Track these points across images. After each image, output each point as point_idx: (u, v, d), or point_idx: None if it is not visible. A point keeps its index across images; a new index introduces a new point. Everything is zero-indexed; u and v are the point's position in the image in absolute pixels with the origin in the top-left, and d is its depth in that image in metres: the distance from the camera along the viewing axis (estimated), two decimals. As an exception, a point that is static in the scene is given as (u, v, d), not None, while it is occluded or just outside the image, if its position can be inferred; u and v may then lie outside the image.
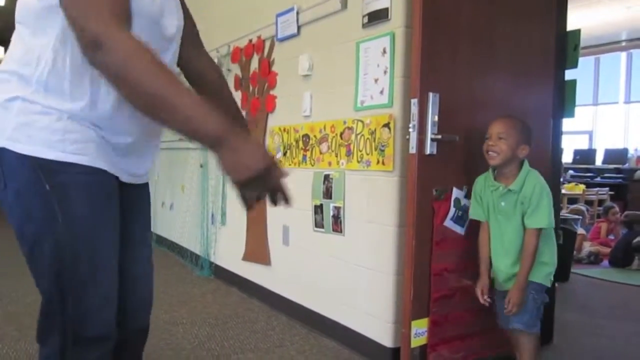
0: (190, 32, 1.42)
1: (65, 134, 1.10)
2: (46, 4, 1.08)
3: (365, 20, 2.57)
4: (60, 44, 1.09)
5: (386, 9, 2.45)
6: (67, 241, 1.11)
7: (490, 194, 2.15)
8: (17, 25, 1.16)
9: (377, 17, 2.49)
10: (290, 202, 1.11)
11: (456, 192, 2.30)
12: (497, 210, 2.12)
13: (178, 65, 1.40)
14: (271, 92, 3.36)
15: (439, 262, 2.26)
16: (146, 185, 1.39)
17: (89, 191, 1.13)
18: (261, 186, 1.05)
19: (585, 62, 10.44)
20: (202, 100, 1.01)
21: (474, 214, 2.23)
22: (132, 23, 1.09)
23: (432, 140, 2.19)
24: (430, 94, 2.18)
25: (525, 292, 2.05)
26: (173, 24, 1.27)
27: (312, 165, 2.95)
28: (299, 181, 3.04)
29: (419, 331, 2.23)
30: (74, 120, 1.11)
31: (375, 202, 2.54)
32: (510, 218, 2.08)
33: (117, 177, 1.22)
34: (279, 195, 1.11)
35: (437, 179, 2.25)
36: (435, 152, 2.21)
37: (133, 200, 1.31)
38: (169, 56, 1.29)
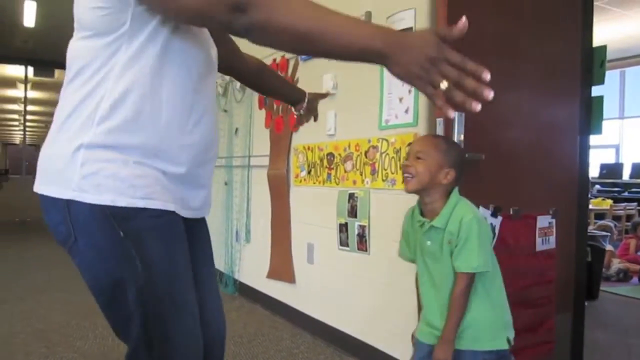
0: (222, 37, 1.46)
1: (134, 179, 1.09)
2: (107, 40, 1.09)
3: (390, 39, 2.58)
4: (120, 82, 1.10)
5: (410, 29, 2.46)
6: (149, 285, 1.12)
7: (416, 231, 1.76)
8: (67, 68, 1.17)
9: (402, 36, 2.50)
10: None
11: (483, 211, 2.28)
12: (424, 251, 1.71)
13: (220, 69, 1.46)
14: (294, 112, 3.37)
15: (466, 282, 2.23)
16: (204, 220, 1.39)
17: (162, 234, 1.14)
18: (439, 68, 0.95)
19: (611, 75, 10.30)
20: (353, 18, 0.99)
21: (401, 253, 1.86)
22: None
23: (458, 159, 2.18)
24: (456, 113, 2.18)
25: (452, 354, 1.60)
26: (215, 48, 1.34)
27: (337, 184, 2.96)
28: (323, 199, 3.05)
29: (447, 352, 2.20)
30: (138, 164, 1.11)
31: (401, 221, 2.52)
32: (439, 260, 1.66)
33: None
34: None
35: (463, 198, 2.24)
36: (461, 171, 2.19)
37: (195, 236, 1.33)
38: (214, 76, 1.33)
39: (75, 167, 1.09)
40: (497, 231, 2.31)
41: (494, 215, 2.31)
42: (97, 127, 1.08)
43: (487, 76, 0.93)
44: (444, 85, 0.91)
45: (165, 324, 1.15)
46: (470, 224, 1.61)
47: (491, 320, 1.65)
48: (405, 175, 1.67)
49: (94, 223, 1.09)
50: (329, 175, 3.04)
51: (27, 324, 3.38)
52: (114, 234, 1.09)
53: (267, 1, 0.97)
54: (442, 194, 1.67)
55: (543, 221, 2.49)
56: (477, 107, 0.91)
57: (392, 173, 2.54)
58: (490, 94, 0.91)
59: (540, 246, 2.48)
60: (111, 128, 1.08)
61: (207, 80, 1.24)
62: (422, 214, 1.73)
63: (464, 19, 0.95)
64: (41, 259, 5.60)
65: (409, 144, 2.41)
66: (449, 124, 2.17)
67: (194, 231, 1.32)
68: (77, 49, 1.15)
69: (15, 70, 11.05)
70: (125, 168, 1.09)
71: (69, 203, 1.10)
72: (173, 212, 1.16)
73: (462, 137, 2.18)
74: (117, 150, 1.09)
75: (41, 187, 1.16)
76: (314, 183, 3.17)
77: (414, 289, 2.44)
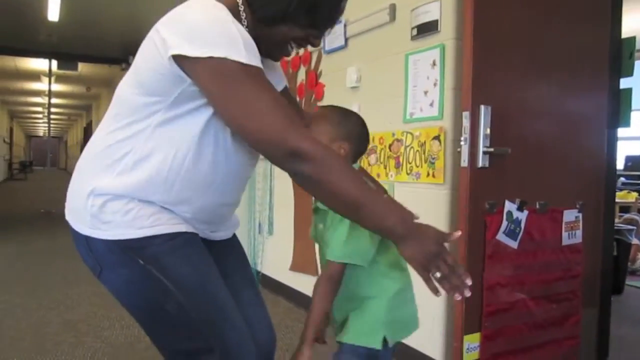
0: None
1: (138, 211, 1.16)
2: (149, 101, 1.14)
3: (415, 32, 2.57)
4: (149, 142, 1.16)
5: (436, 21, 2.44)
6: (188, 298, 1.18)
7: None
8: (110, 108, 1.24)
9: (427, 29, 2.49)
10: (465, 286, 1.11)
11: (509, 206, 2.27)
12: (318, 234, 1.51)
13: None
14: (318, 104, 3.39)
15: (491, 276, 2.23)
16: (234, 236, 1.46)
17: (179, 253, 1.19)
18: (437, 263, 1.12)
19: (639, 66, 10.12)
20: (388, 200, 1.17)
21: (310, 234, 1.60)
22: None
23: (484, 153, 2.17)
24: (482, 107, 2.16)
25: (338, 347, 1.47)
26: None
27: (361, 177, 2.96)
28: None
29: (471, 346, 2.21)
30: (144, 202, 1.18)
31: (425, 215, 2.49)
32: (326, 244, 1.46)
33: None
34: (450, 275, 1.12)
35: (489, 192, 2.23)
36: (487, 164, 2.18)
37: (224, 253, 1.39)
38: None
39: (87, 207, 1.17)
40: (523, 225, 2.30)
41: (519, 209, 2.29)
42: (115, 179, 1.17)
43: (469, 281, 1.10)
44: (437, 275, 1.11)
45: (217, 326, 1.20)
46: None
47: (369, 316, 1.45)
48: None
49: (113, 256, 1.18)
50: (352, 168, 3.04)
51: (56, 313, 3.45)
52: (134, 263, 1.16)
53: (325, 162, 1.06)
54: None
55: (569, 215, 2.47)
56: (458, 297, 1.11)
57: (417, 166, 2.53)
58: (467, 293, 1.10)
59: (566, 240, 2.46)
60: (127, 183, 1.16)
61: (245, 153, 1.26)
62: None
63: (459, 233, 1.17)
64: (67, 251, 5.67)
65: (435, 138, 2.41)
66: (475, 118, 2.15)
67: (224, 246, 1.40)
68: (123, 92, 1.21)
69: (39, 64, 11.20)
70: (130, 203, 1.17)
71: (87, 239, 1.19)
72: (184, 232, 1.21)
73: (488, 130, 2.17)
74: (126, 199, 1.16)
75: (68, 217, 1.25)
76: (338, 176, 3.17)
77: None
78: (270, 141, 1.06)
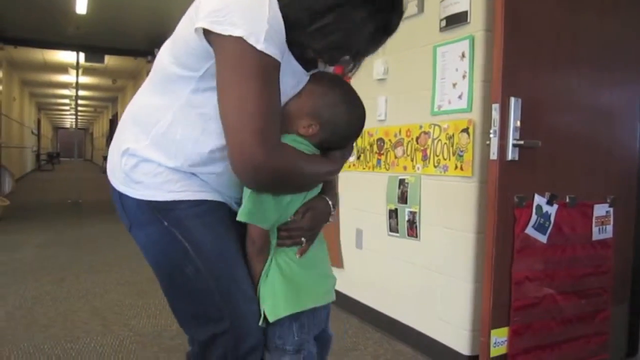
0: None
1: (167, 175, 1.21)
2: (181, 73, 1.16)
3: (443, 23, 2.54)
4: (180, 113, 1.18)
5: (465, 13, 2.41)
6: (206, 264, 1.21)
7: None
8: (151, 74, 1.27)
9: (456, 20, 2.46)
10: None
11: (538, 199, 2.24)
12: None
13: None
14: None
15: (520, 270, 2.20)
16: None
17: (202, 219, 1.23)
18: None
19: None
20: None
21: None
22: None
23: (513, 146, 2.14)
24: (512, 99, 2.14)
25: None
26: None
27: (387, 170, 2.95)
28: (373, 185, 3.05)
29: (499, 340, 2.19)
30: (172, 170, 1.22)
31: (452, 208, 2.51)
32: None
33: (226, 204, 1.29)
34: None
35: (519, 185, 2.20)
36: (517, 157, 2.16)
37: None
38: None
39: (121, 165, 1.25)
40: (552, 219, 2.27)
41: (549, 203, 2.26)
42: (147, 144, 1.21)
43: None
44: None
45: (230, 295, 1.22)
46: None
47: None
48: None
49: (141, 214, 1.23)
50: (378, 160, 3.03)
51: (85, 302, 3.51)
52: (159, 223, 1.21)
53: (275, 168, 1.11)
54: None
55: (600, 210, 2.43)
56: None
57: (445, 159, 2.51)
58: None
59: (596, 235, 2.42)
60: (157, 150, 1.21)
61: None
62: None
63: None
64: (95, 241, 5.80)
65: (463, 130, 2.39)
66: (505, 110, 2.13)
67: None
68: (162, 58, 1.23)
69: (67, 56, 11.36)
70: (159, 168, 1.21)
71: (120, 195, 1.26)
72: (210, 201, 1.24)
73: (518, 123, 2.14)
74: (155, 163, 1.21)
75: (107, 171, 1.32)
76: (364, 169, 3.17)
77: (465, 276, 2.43)
78: (230, 147, 1.08)
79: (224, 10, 1.05)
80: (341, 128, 1.26)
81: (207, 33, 1.07)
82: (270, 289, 1.24)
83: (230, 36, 1.04)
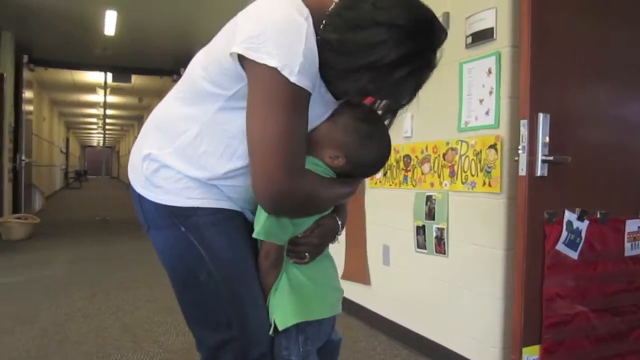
0: None
1: (187, 182, 1.23)
2: (212, 90, 1.18)
3: (469, 40, 2.55)
4: (206, 127, 1.20)
5: (491, 29, 2.42)
6: (219, 269, 1.24)
7: None
8: (180, 83, 1.30)
9: (482, 37, 2.47)
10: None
11: (568, 215, 2.22)
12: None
13: None
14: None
15: (551, 287, 2.18)
16: None
17: (219, 227, 1.25)
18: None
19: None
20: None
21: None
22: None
23: (542, 161, 2.14)
24: (541, 115, 2.13)
25: None
26: None
27: (414, 186, 2.95)
28: (400, 202, 3.05)
29: (530, 358, 2.16)
30: (191, 179, 1.24)
31: (481, 224, 2.50)
32: None
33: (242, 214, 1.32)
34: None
35: (548, 201, 2.19)
36: (546, 173, 2.15)
37: None
38: None
39: (142, 169, 1.26)
40: (583, 235, 2.25)
41: (580, 219, 2.24)
42: (169, 152, 1.23)
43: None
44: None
45: (241, 303, 1.25)
46: None
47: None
48: None
49: (159, 218, 1.26)
50: (405, 177, 3.04)
51: (115, 318, 3.56)
52: (176, 228, 1.23)
53: (297, 195, 1.15)
54: None
55: (632, 225, 2.40)
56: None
57: (473, 175, 2.51)
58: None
59: (629, 251, 2.39)
60: (179, 160, 1.23)
61: None
62: None
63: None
64: (123, 257, 5.89)
65: (491, 146, 2.39)
66: (533, 126, 2.12)
67: None
68: (194, 70, 1.25)
69: (95, 77, 11.61)
70: (179, 174, 1.24)
71: (140, 197, 1.28)
72: (227, 209, 1.26)
73: (547, 139, 2.14)
74: (175, 171, 1.24)
75: (129, 172, 1.35)
76: (390, 185, 3.18)
77: (495, 293, 2.41)
78: (256, 176, 1.11)
79: (260, 37, 1.06)
80: (365, 167, 1.32)
81: (241, 57, 1.09)
82: (279, 300, 1.28)
83: (264, 65, 1.06)
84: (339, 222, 1.35)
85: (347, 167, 1.27)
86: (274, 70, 1.05)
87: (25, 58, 8.33)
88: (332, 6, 1.15)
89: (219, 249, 1.24)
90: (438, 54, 1.16)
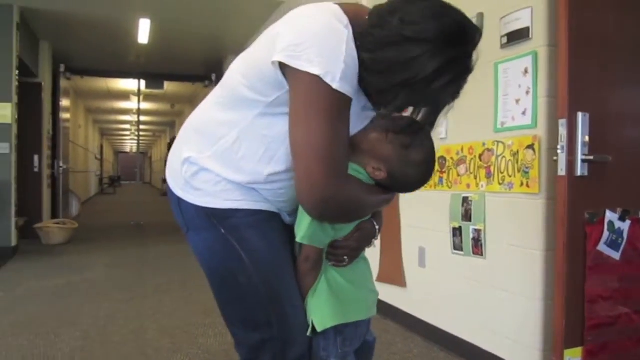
0: None
1: (226, 185, 1.25)
2: (251, 96, 1.20)
3: (504, 40, 2.54)
4: (245, 133, 1.23)
5: (527, 29, 2.41)
6: (258, 270, 1.26)
7: None
8: (219, 88, 1.32)
9: (518, 37, 2.46)
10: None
11: (610, 215, 2.20)
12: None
13: None
14: (403, 114, 3.39)
15: (593, 288, 2.15)
16: None
17: (258, 228, 1.27)
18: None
19: None
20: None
21: None
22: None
23: (582, 161, 2.12)
24: (580, 114, 2.11)
25: None
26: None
27: (450, 188, 2.94)
28: (435, 203, 3.04)
29: (572, 360, 2.14)
30: (229, 181, 1.26)
31: (519, 225, 2.48)
32: None
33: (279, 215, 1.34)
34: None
35: (589, 201, 2.16)
36: (586, 173, 2.12)
37: None
38: None
39: (182, 172, 1.28)
40: (625, 236, 2.21)
41: (621, 219, 2.21)
42: (209, 156, 1.25)
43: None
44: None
45: (280, 302, 1.27)
46: None
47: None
48: None
49: (199, 220, 1.27)
50: (440, 179, 3.03)
51: (154, 320, 3.62)
52: (216, 230, 1.25)
53: (340, 200, 1.17)
54: None
55: (676, 225, 2.35)
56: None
57: (510, 176, 2.49)
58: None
59: (673, 251, 2.34)
60: (219, 164, 1.25)
61: None
62: None
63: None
64: (159, 261, 5.99)
65: (528, 147, 2.37)
66: (572, 125, 2.10)
67: None
68: (233, 76, 1.27)
69: (128, 84, 11.83)
70: (218, 177, 1.25)
71: (179, 200, 1.30)
72: (266, 211, 1.28)
73: (587, 138, 2.11)
74: (214, 174, 1.25)
75: (167, 175, 1.38)
76: (425, 187, 3.16)
77: (534, 294, 2.39)
78: (301, 183, 1.13)
79: (302, 46, 1.08)
80: (404, 186, 1.32)
81: (283, 65, 1.11)
82: (318, 302, 1.29)
83: (307, 73, 1.07)
84: (377, 227, 1.37)
85: (386, 181, 1.28)
86: (316, 77, 1.07)
87: (62, 67, 8.55)
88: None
89: (257, 251, 1.26)
90: (474, 56, 1.15)
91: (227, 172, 1.24)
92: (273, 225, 1.30)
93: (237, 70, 1.26)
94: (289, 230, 1.33)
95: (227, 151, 1.24)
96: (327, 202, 1.13)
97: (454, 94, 1.17)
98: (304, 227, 1.25)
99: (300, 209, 1.24)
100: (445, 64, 1.08)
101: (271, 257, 1.28)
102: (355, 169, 1.26)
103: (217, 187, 1.25)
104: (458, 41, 1.10)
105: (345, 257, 1.30)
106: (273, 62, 1.12)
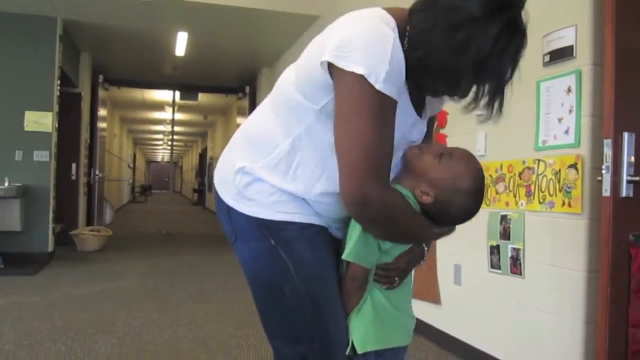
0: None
1: (280, 196, 1.26)
2: (303, 102, 1.22)
3: (547, 58, 2.52)
4: (299, 142, 1.24)
5: (571, 47, 2.38)
6: (304, 285, 1.26)
7: None
8: (270, 97, 1.34)
9: (561, 55, 2.43)
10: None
11: (655, 238, 2.15)
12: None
13: None
14: (441, 131, 3.39)
15: (637, 312, 2.11)
16: None
17: (308, 242, 1.28)
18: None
19: None
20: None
21: None
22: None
23: (627, 182, 2.08)
24: (626, 134, 2.08)
25: None
26: (417, 135, 1.36)
27: (487, 205, 2.92)
28: (473, 220, 3.01)
29: (615, 385, 2.09)
30: (282, 192, 1.27)
31: (560, 245, 2.44)
32: None
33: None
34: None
35: (634, 222, 2.13)
36: (631, 194, 2.09)
37: None
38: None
39: (235, 182, 1.28)
40: (671, 259, 2.16)
41: (667, 241, 2.16)
42: (262, 166, 1.26)
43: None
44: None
45: (323, 318, 1.26)
46: None
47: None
48: None
49: (249, 230, 1.28)
50: (478, 196, 3.00)
51: (187, 330, 3.66)
52: (266, 241, 1.25)
53: (382, 205, 1.17)
54: None
55: None
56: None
57: (551, 195, 2.46)
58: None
59: None
60: (273, 175, 1.25)
61: None
62: None
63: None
64: (190, 271, 6.04)
65: (571, 166, 2.34)
66: (617, 145, 2.08)
67: None
68: (283, 87, 1.29)
69: (163, 95, 12.04)
70: (272, 188, 1.26)
71: (229, 209, 1.30)
72: (316, 225, 1.28)
73: (632, 159, 2.08)
74: (269, 184, 1.26)
75: (216, 183, 1.38)
76: (462, 204, 3.14)
77: (576, 316, 2.34)
78: (343, 177, 1.14)
79: (348, 47, 1.10)
80: (448, 216, 1.30)
81: (330, 66, 1.13)
82: (361, 323, 1.28)
83: (352, 72, 1.09)
84: (425, 249, 1.37)
85: (432, 207, 1.26)
86: (360, 77, 1.09)
87: (101, 78, 8.74)
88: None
89: (306, 263, 1.26)
90: (524, 17, 1.14)
91: (282, 182, 1.25)
92: (323, 240, 1.31)
93: (288, 79, 1.28)
94: (337, 245, 1.33)
95: (282, 161, 1.25)
96: (367, 200, 1.13)
97: (513, 62, 1.16)
98: (350, 245, 1.26)
99: (350, 226, 1.26)
100: (499, 34, 1.09)
101: (319, 270, 1.28)
102: (405, 193, 1.26)
103: (271, 198, 1.26)
104: (506, 7, 1.11)
105: (396, 279, 1.30)
106: (322, 63, 1.14)
